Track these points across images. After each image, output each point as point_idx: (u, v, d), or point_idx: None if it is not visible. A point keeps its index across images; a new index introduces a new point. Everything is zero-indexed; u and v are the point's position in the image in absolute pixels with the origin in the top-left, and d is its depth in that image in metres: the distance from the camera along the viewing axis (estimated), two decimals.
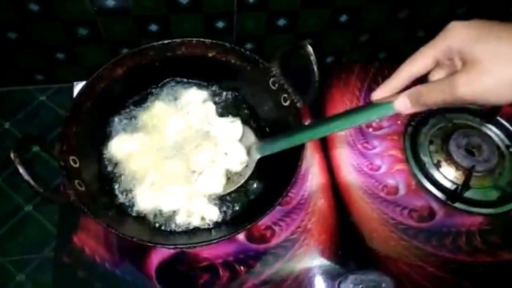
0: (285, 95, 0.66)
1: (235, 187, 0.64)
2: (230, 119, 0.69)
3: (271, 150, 0.61)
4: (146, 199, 0.62)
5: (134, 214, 0.63)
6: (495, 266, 0.68)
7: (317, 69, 0.62)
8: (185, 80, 0.74)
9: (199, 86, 0.73)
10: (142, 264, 0.65)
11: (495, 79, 0.37)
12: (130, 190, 0.64)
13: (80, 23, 0.72)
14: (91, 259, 0.65)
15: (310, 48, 0.61)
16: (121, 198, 0.64)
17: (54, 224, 0.69)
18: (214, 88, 0.74)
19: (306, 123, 0.58)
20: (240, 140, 0.67)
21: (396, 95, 0.44)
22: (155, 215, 0.63)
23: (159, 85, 0.73)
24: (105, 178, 0.65)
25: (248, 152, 0.65)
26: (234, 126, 0.67)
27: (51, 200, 0.56)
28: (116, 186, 0.65)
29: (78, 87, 0.75)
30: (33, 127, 0.79)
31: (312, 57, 0.61)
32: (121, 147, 0.65)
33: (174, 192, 0.62)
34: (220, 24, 0.77)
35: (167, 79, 0.73)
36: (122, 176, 0.65)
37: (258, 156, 0.63)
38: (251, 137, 0.67)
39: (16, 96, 0.82)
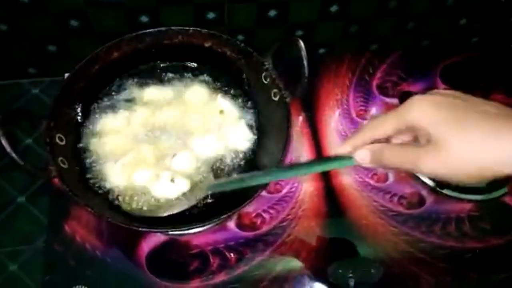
0: (276, 90, 0.65)
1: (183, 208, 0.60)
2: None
3: (222, 188, 0.55)
4: (117, 177, 0.61)
5: (110, 194, 0.61)
6: (484, 252, 0.69)
7: (307, 65, 0.61)
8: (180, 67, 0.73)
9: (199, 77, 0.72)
10: (132, 252, 0.66)
11: (462, 163, 0.36)
12: (105, 168, 0.63)
13: (71, 15, 0.72)
14: (82, 247, 0.65)
15: (302, 44, 0.60)
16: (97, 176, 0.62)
17: (47, 216, 0.69)
18: (207, 78, 0.73)
19: (266, 169, 0.57)
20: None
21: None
22: (132, 195, 0.61)
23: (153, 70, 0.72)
24: (86, 156, 0.64)
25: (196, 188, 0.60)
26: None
27: (32, 173, 0.55)
28: (93, 164, 0.63)
29: None
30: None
31: (303, 53, 0.60)
32: (106, 126, 0.65)
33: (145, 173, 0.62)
34: (211, 15, 0.77)
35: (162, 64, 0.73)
36: (102, 154, 0.63)
37: (207, 193, 0.59)
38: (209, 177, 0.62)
39: (9, 90, 0.82)
